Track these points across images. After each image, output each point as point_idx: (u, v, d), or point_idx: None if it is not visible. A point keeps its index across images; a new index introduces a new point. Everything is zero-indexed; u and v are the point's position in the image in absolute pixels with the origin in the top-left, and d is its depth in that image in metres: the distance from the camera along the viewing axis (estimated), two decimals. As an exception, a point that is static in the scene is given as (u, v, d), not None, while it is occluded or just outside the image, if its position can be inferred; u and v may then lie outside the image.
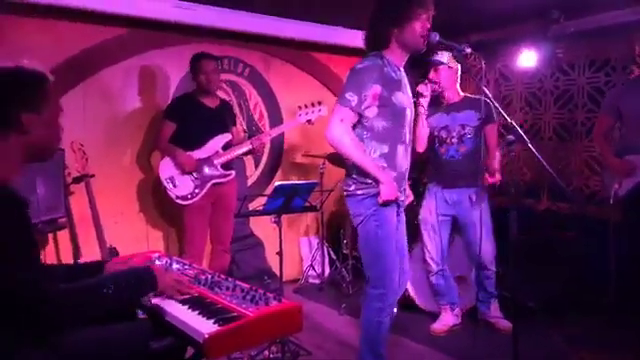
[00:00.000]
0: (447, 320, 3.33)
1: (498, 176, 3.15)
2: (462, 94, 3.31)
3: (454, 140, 3.21)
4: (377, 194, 2.27)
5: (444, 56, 3.15)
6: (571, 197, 3.68)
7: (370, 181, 2.29)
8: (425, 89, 3.11)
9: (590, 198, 3.93)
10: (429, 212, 3.32)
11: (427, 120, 3.19)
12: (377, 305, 2.34)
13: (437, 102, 3.30)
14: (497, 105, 2.35)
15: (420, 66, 3.51)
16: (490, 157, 3.21)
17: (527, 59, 4.02)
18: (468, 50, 2.26)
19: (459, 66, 3.23)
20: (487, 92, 2.40)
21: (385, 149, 2.31)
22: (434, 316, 3.42)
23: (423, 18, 2.26)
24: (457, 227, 3.33)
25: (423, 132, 3.18)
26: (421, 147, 3.22)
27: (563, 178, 3.90)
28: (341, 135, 2.25)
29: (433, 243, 3.31)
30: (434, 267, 3.32)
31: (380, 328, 2.36)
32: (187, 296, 1.68)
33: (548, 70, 4.22)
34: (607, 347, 2.91)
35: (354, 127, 2.31)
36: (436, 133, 3.26)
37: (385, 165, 2.31)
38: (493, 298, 3.33)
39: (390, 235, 2.33)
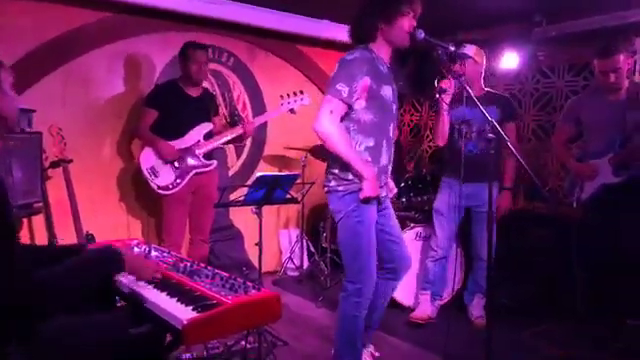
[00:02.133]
0: (426, 309, 3.38)
1: (506, 202, 3.25)
2: (485, 89, 3.30)
3: (474, 135, 3.19)
4: (358, 191, 2.29)
5: (471, 50, 3.12)
6: (547, 197, 3.76)
7: (351, 177, 2.30)
8: (448, 84, 3.02)
9: (565, 197, 4.02)
10: (443, 202, 3.34)
11: (448, 113, 3.16)
12: (354, 299, 2.37)
13: (460, 98, 3.20)
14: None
15: (407, 62, 3.50)
16: (506, 159, 3.22)
17: (509, 60, 4.09)
18: (452, 48, 2.29)
19: (484, 60, 3.24)
20: (470, 90, 2.42)
21: (371, 142, 2.33)
22: (411, 311, 3.46)
23: (410, 16, 2.29)
24: (468, 219, 3.37)
25: (445, 129, 3.17)
26: (442, 141, 3.22)
27: (540, 178, 3.98)
28: (330, 128, 2.23)
29: (442, 231, 3.35)
30: (438, 254, 3.37)
31: (356, 322, 2.39)
32: (165, 282, 1.68)
33: (529, 72, 4.29)
34: (577, 345, 2.98)
35: (341, 119, 2.31)
36: (456, 126, 3.23)
37: (369, 159, 2.33)
38: (479, 293, 3.39)
39: (370, 231, 2.36)
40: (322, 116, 2.24)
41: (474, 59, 3.12)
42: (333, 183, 2.36)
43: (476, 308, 3.41)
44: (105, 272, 1.60)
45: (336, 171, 2.34)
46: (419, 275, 3.60)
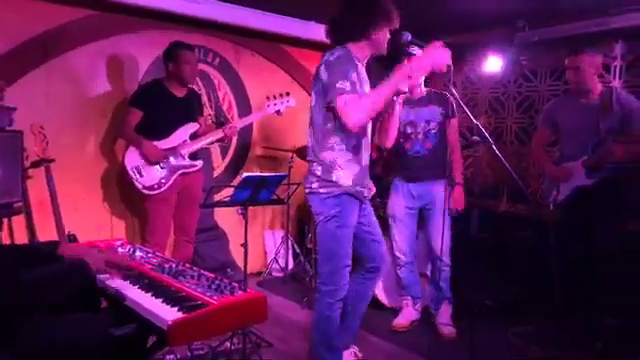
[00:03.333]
0: (409, 315, 3.39)
1: (460, 200, 3.23)
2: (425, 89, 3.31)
3: (420, 136, 3.23)
4: (340, 194, 2.31)
5: (416, 51, 3.12)
6: (530, 199, 3.82)
7: (334, 180, 2.32)
8: (405, 86, 3.07)
9: (542, 200, 4.09)
10: (397, 206, 3.35)
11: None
12: (327, 300, 2.39)
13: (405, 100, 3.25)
14: (462, 103, 2.38)
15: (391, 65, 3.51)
16: (452, 155, 3.21)
17: (493, 64, 4.15)
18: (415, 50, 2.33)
19: None
20: (454, 91, 2.45)
21: (353, 142, 2.34)
22: (395, 312, 3.49)
23: (391, 27, 2.34)
24: (421, 218, 3.38)
25: (395, 131, 3.03)
26: (390, 143, 3.09)
27: (522, 181, 4.04)
28: (357, 111, 2.14)
29: (402, 236, 3.34)
30: (403, 259, 3.35)
31: (330, 321, 2.41)
32: (144, 280, 1.68)
33: (512, 76, 4.36)
34: (556, 344, 3.03)
35: (328, 120, 2.30)
36: (401, 129, 3.21)
37: (351, 157, 2.34)
38: (446, 300, 3.32)
39: (348, 236, 2.38)
40: (346, 114, 2.16)
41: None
42: (315, 185, 2.36)
43: (444, 315, 3.31)
44: (75, 286, 1.60)
45: (319, 173, 2.35)
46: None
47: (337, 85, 2.19)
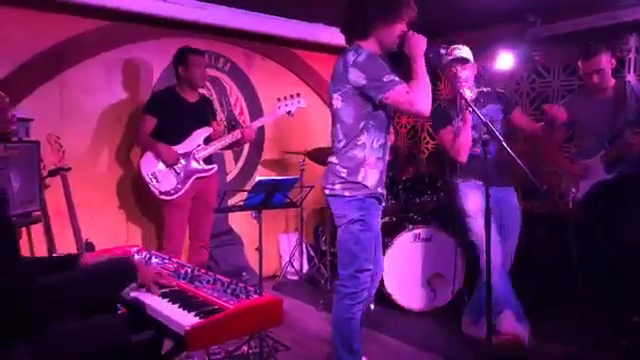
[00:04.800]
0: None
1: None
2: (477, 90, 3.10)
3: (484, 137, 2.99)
4: (364, 198, 2.30)
5: (466, 51, 2.99)
6: (545, 196, 3.77)
7: (359, 181, 2.30)
8: (470, 94, 2.85)
9: (561, 198, 4.04)
10: (481, 204, 2.78)
11: (455, 125, 2.92)
12: (347, 302, 2.38)
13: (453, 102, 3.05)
14: (472, 105, 2.36)
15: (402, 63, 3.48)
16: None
17: (505, 61, 4.10)
18: (443, 51, 2.31)
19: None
20: (463, 94, 2.43)
21: (382, 139, 2.35)
22: (410, 312, 3.47)
23: (405, 21, 2.30)
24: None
25: (469, 141, 2.88)
26: (464, 157, 2.90)
27: (536, 178, 3.99)
28: (423, 97, 2.17)
29: (496, 240, 2.85)
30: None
31: (351, 324, 2.39)
32: (167, 289, 1.68)
33: (524, 72, 4.31)
34: (579, 343, 2.99)
35: (362, 118, 2.28)
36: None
37: (380, 156, 2.35)
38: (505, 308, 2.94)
39: (371, 240, 2.37)
40: (413, 102, 2.16)
41: (472, 61, 3.00)
42: (338, 186, 2.34)
43: (508, 322, 2.92)
44: (121, 286, 1.62)
45: (343, 174, 2.32)
46: (421, 277, 3.61)
47: (385, 80, 2.18)
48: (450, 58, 2.92)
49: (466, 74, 2.93)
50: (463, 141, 2.85)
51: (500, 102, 3.11)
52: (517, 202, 3.15)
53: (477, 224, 2.90)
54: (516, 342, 2.86)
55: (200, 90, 3.54)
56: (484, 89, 3.13)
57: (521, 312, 2.97)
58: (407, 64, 2.30)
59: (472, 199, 3.00)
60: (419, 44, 2.24)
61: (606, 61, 2.95)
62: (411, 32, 2.27)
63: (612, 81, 3.03)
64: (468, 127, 2.84)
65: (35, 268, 1.68)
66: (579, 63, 3.06)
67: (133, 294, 1.65)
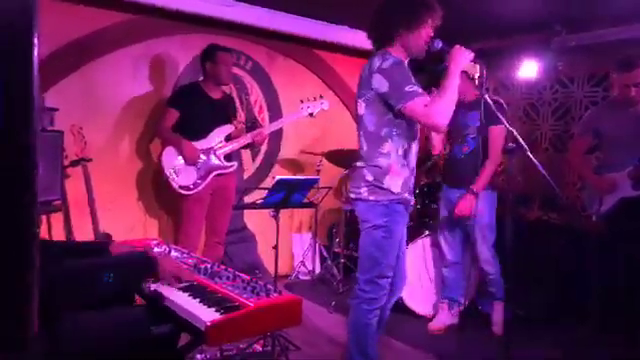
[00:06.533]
0: (444, 319, 3.37)
1: (463, 207, 3.11)
2: (476, 95, 3.20)
3: (459, 140, 3.22)
4: (389, 203, 2.28)
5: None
6: (565, 207, 3.73)
7: (386, 186, 2.27)
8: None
9: (583, 210, 3.99)
10: (443, 210, 3.38)
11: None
12: (365, 307, 2.36)
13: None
14: (495, 109, 2.34)
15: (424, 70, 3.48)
16: (484, 162, 3.13)
17: (528, 70, 4.07)
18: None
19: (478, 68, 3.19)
20: (487, 99, 2.42)
21: (406, 146, 2.32)
22: (423, 318, 3.46)
23: (431, 26, 2.28)
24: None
25: (441, 137, 3.21)
26: (437, 150, 3.23)
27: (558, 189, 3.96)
28: (441, 111, 2.16)
29: (450, 237, 3.38)
30: (448, 259, 3.38)
31: (368, 330, 2.37)
32: (187, 284, 1.69)
33: (547, 82, 4.27)
34: (593, 355, 2.96)
35: (384, 125, 2.26)
36: (449, 131, 3.26)
37: (405, 163, 2.32)
38: (498, 300, 3.31)
39: (394, 247, 2.34)
40: (429, 115, 2.16)
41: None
42: (364, 190, 2.31)
43: (495, 315, 3.34)
44: (141, 281, 1.64)
45: (370, 178, 2.30)
46: (436, 283, 3.60)
47: (406, 89, 2.16)
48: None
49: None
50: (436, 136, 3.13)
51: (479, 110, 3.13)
52: (487, 204, 3.21)
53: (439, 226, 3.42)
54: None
55: (223, 88, 3.56)
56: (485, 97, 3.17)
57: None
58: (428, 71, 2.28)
59: (440, 204, 3.43)
60: (463, 59, 2.22)
61: None
62: (458, 46, 2.24)
63: None
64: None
65: (64, 252, 1.70)
66: (614, 75, 3.00)
67: (153, 287, 1.67)
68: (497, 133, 3.11)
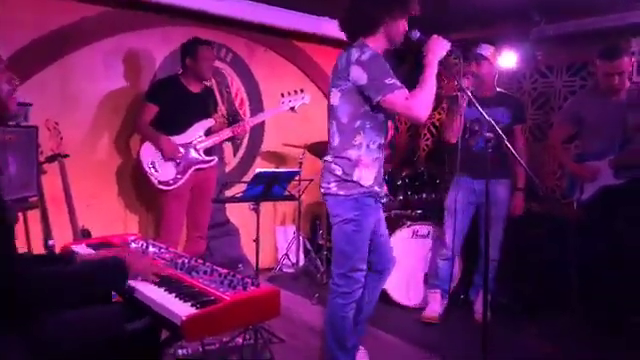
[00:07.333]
0: (437, 308, 3.38)
1: (519, 206, 3.26)
2: (497, 89, 3.30)
3: (485, 132, 3.18)
4: (359, 197, 2.27)
5: (488, 50, 3.17)
6: (545, 196, 3.77)
7: (355, 180, 2.27)
8: (470, 84, 3.05)
9: (564, 198, 4.04)
10: (452, 201, 3.31)
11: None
12: (340, 302, 2.37)
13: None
14: (473, 99, 2.34)
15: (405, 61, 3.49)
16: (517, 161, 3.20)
17: (507, 60, 4.08)
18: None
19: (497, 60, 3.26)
20: (467, 91, 2.43)
21: (379, 141, 2.32)
22: (406, 309, 3.49)
23: (407, 17, 2.28)
24: (478, 215, 3.36)
25: (460, 126, 3.13)
26: (455, 138, 3.14)
27: (537, 178, 3.99)
28: (422, 104, 2.16)
29: (451, 229, 3.31)
30: (447, 254, 3.36)
31: (345, 323, 2.38)
32: (162, 279, 1.67)
33: (527, 71, 4.30)
34: (575, 342, 3.01)
35: (358, 118, 2.25)
36: (467, 125, 3.22)
37: (376, 157, 2.31)
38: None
39: (365, 240, 2.35)
40: (411, 108, 2.15)
41: (489, 60, 3.15)
42: (333, 185, 2.31)
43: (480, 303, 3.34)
44: (111, 287, 1.61)
45: (338, 172, 2.29)
46: (418, 274, 3.61)
47: (386, 82, 2.15)
48: (476, 52, 3.17)
49: (482, 71, 3.17)
50: (451, 125, 3.17)
51: (509, 108, 3.23)
52: (508, 195, 3.30)
53: (446, 217, 3.40)
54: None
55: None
56: (502, 90, 3.34)
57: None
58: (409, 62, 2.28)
59: (450, 195, 3.38)
60: (440, 49, 2.22)
61: (627, 63, 2.93)
62: (435, 36, 2.24)
63: (627, 84, 3.00)
64: (460, 114, 3.11)
65: (30, 263, 1.67)
66: (597, 63, 3.00)
67: (129, 282, 1.64)
68: (520, 130, 3.32)
